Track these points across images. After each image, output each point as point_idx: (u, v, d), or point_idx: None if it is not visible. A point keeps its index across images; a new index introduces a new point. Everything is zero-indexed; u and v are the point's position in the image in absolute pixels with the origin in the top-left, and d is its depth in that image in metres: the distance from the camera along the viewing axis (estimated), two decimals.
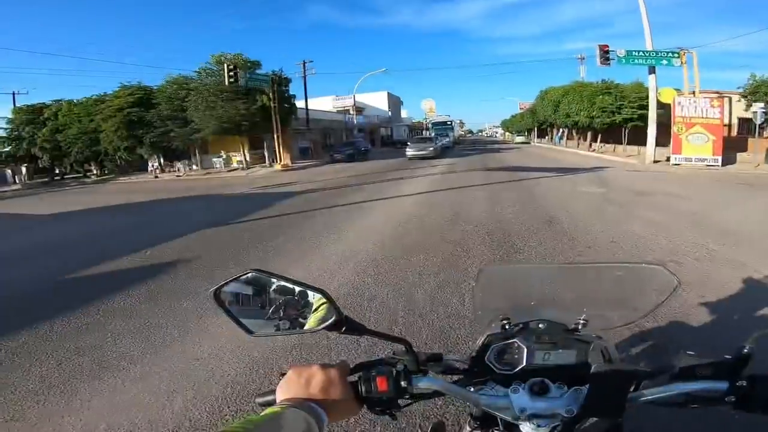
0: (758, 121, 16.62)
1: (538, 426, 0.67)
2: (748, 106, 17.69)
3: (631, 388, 0.67)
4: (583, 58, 34.23)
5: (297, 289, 0.67)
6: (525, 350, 0.74)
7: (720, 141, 16.91)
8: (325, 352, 2.80)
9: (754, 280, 3.72)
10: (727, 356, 0.65)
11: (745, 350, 0.63)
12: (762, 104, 16.65)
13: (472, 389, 0.73)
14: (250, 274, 0.66)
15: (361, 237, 5.89)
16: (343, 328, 0.66)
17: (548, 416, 0.66)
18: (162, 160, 26.30)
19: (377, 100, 57.75)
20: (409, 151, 24.04)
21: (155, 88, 24.53)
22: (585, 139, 30.82)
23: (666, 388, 0.66)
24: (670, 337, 2.81)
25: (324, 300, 0.65)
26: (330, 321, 0.65)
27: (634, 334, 2.87)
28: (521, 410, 0.66)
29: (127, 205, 12.41)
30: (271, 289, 0.67)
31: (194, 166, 26.45)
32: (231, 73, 19.77)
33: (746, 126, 21.03)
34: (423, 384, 0.68)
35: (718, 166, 16.46)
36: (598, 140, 28.76)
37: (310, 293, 0.67)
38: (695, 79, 18.05)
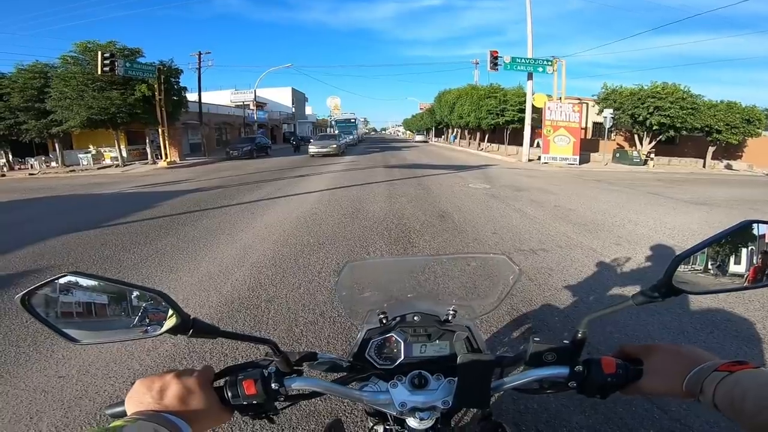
0: (607, 125, 19.86)
1: (421, 419, 0.67)
2: (600, 111, 20.87)
3: (494, 377, 0.69)
4: (477, 63, 37.09)
5: (130, 291, 0.58)
6: (402, 344, 0.74)
7: (578, 142, 19.92)
8: (220, 358, 2.57)
9: (603, 264, 4.41)
10: (565, 341, 0.68)
11: (579, 335, 0.66)
12: (611, 110, 19.86)
13: (355, 386, 0.72)
14: (67, 278, 0.55)
15: (259, 236, 5.54)
16: (191, 331, 0.59)
17: (428, 409, 0.66)
18: (11, 156, 22.00)
19: (281, 96, 55.43)
20: (312, 148, 23.39)
21: (8, 75, 20.23)
22: (475, 139, 33.70)
23: (522, 375, 0.68)
24: (543, 319, 3.14)
25: (163, 302, 0.58)
26: (172, 324, 0.58)
27: (514, 318, 3.17)
28: (402, 404, 0.65)
29: None
30: (98, 293, 0.57)
31: (53, 163, 22.42)
32: (107, 62, 17.09)
33: (598, 129, 25.03)
34: (297, 385, 0.66)
35: (576, 164, 19.38)
36: (485, 140, 31.68)
37: (147, 295, 0.59)
38: (562, 86, 20.92)
